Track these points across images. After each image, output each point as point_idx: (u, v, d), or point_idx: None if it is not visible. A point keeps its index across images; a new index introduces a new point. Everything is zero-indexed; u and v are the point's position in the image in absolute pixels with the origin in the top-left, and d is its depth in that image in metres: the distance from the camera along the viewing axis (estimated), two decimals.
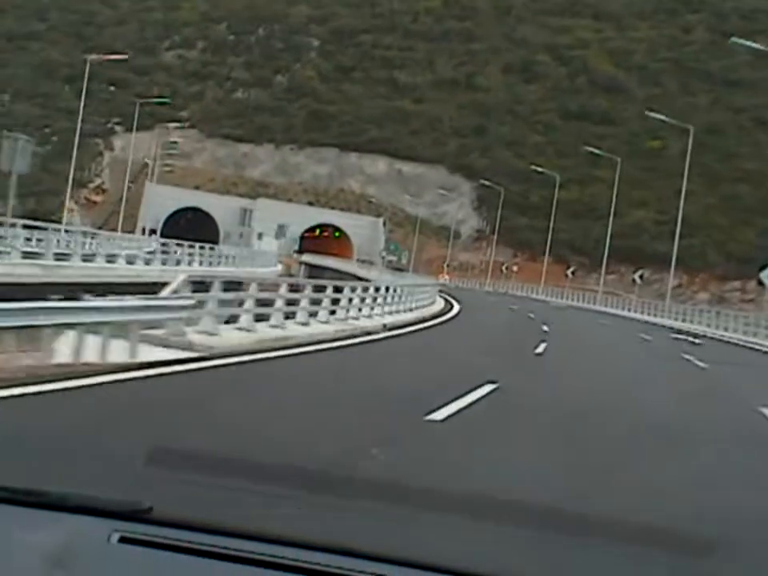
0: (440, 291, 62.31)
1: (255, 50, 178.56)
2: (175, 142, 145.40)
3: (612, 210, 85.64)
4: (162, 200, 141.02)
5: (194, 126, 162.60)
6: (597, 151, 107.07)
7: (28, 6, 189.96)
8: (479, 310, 56.22)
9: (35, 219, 73.65)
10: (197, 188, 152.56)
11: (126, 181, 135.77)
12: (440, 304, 49.99)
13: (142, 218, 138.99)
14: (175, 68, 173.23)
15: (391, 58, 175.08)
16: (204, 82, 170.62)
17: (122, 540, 2.41)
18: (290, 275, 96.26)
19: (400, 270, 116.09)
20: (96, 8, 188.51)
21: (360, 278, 59.26)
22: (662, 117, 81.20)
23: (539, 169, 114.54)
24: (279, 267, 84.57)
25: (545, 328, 39.81)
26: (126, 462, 4.14)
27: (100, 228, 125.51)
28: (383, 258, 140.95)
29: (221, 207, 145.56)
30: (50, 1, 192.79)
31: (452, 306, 50.62)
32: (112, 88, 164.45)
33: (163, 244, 65.95)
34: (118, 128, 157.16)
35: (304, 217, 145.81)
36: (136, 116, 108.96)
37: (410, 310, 38.03)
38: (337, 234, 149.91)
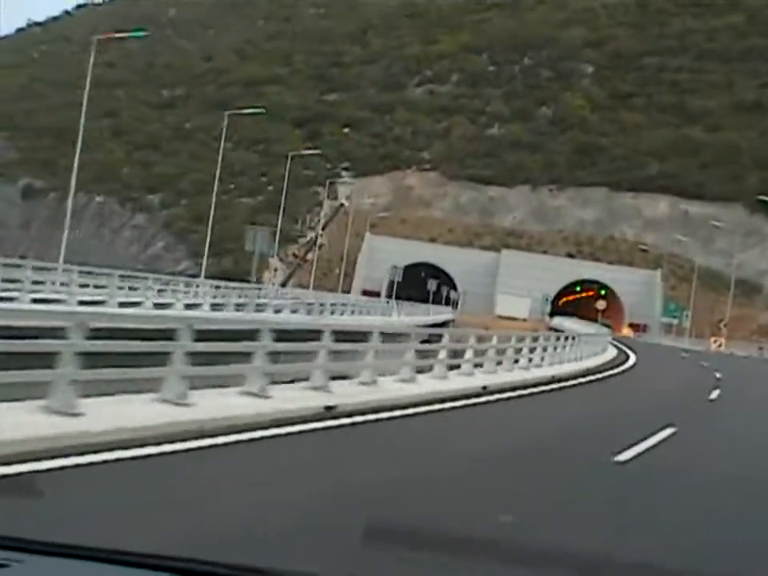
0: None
1: (518, 79, 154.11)
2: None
3: None
4: (386, 255, 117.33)
5: (434, 168, 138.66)
6: None
7: (275, 52, 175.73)
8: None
9: (227, 279, 66.68)
10: (432, 240, 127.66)
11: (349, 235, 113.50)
12: None
13: (361, 277, 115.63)
14: (421, 104, 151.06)
15: (680, 81, 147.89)
16: (452, 117, 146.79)
17: None
18: None
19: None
20: (345, 48, 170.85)
21: None
22: None
23: None
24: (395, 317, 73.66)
25: None
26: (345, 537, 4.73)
27: (283, 285, 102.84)
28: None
29: (459, 262, 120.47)
30: (299, 44, 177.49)
31: None
32: (346, 130, 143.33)
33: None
34: (345, 173, 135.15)
35: (561, 271, 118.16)
36: (286, 178, 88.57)
37: None
38: (603, 291, 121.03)
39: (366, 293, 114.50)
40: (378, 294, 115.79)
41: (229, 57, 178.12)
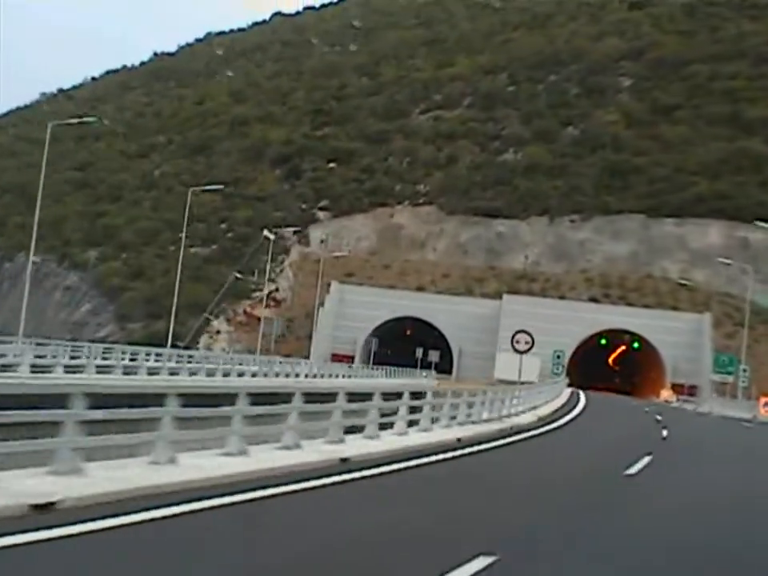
0: None
1: (541, 98, 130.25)
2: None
3: None
4: (359, 309, 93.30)
5: (430, 202, 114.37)
6: None
7: (274, 91, 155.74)
8: None
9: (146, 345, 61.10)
10: (421, 289, 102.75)
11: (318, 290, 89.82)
12: None
13: (324, 337, 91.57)
14: (423, 131, 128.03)
15: (735, 89, 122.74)
16: (458, 143, 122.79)
17: None
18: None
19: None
20: (351, 81, 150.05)
21: None
22: None
23: None
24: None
25: None
26: None
27: (186, 348, 78.44)
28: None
29: (452, 314, 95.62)
30: (303, 81, 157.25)
31: None
32: (331, 164, 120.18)
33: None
34: (321, 214, 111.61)
35: (581, 321, 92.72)
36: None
37: None
38: (636, 344, 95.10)
39: (336, 358, 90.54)
40: (351, 359, 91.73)
41: (221, 99, 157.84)
